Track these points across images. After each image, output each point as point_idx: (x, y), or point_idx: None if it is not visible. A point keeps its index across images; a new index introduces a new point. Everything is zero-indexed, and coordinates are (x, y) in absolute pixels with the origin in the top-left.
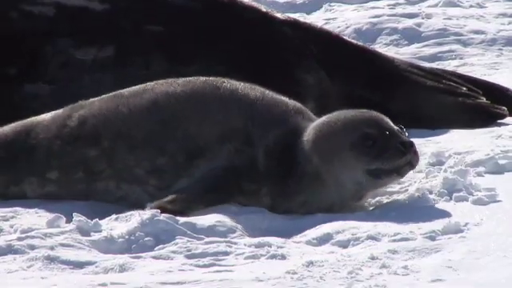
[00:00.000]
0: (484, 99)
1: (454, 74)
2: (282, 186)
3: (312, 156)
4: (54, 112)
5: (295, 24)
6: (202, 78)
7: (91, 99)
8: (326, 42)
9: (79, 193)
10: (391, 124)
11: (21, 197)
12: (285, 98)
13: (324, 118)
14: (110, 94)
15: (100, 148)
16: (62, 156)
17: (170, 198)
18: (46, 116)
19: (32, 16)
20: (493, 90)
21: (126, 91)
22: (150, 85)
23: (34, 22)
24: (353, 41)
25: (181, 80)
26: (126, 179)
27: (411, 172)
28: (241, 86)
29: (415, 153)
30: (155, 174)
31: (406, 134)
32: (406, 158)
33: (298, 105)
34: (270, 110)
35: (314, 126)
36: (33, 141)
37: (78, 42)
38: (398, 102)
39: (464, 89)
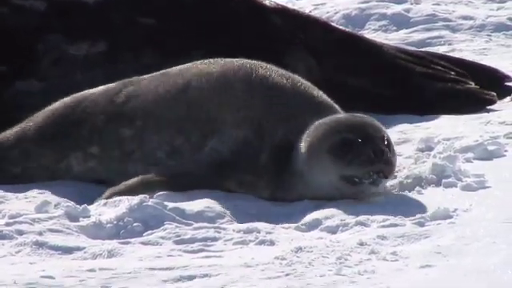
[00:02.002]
0: (473, 84)
1: (442, 57)
2: (280, 181)
3: (301, 155)
4: (106, 86)
5: (284, 12)
6: (241, 61)
7: (143, 76)
8: (315, 29)
9: (115, 172)
10: (375, 131)
11: (68, 173)
12: (314, 92)
13: (321, 120)
14: (159, 72)
15: (134, 127)
16: (103, 132)
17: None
18: (97, 90)
19: (23, 10)
20: (481, 72)
21: (172, 70)
22: (193, 64)
23: (25, 17)
24: (341, 27)
25: (221, 61)
26: (152, 163)
27: (401, 158)
28: (274, 74)
29: (387, 162)
30: (174, 155)
31: (387, 142)
32: (375, 167)
33: (324, 100)
34: (288, 104)
35: (312, 125)
36: (80, 114)
37: (71, 37)
38: (386, 88)
39: (453, 73)
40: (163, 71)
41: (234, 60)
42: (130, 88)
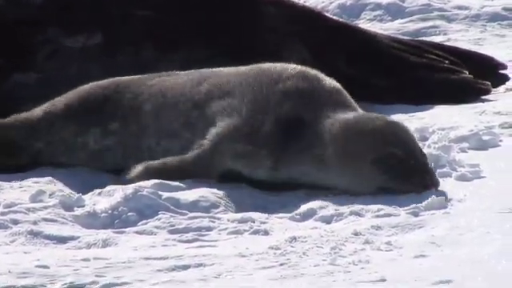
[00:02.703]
0: (467, 73)
1: (437, 46)
2: (287, 150)
3: (329, 146)
4: (142, 75)
5: (279, 3)
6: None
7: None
8: (309, 19)
9: (130, 148)
10: (416, 143)
11: (83, 150)
12: (326, 80)
13: (353, 117)
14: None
15: (154, 103)
16: (126, 108)
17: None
18: (135, 76)
19: (20, 3)
20: (477, 60)
21: (205, 70)
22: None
23: (23, 10)
24: (335, 17)
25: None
26: (167, 135)
27: None
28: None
29: (436, 185)
30: (188, 127)
31: (423, 152)
32: (427, 188)
33: (337, 88)
34: (298, 82)
35: (343, 119)
36: (110, 93)
37: (67, 29)
38: (381, 78)
39: (447, 62)
40: (200, 70)
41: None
42: (163, 77)
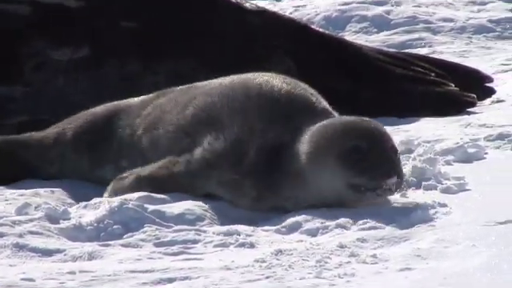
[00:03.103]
0: (453, 85)
1: (422, 59)
2: (269, 180)
3: (301, 155)
4: (142, 97)
5: (264, 15)
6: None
7: (175, 88)
8: (294, 31)
9: None
10: (387, 141)
11: (103, 181)
12: (310, 95)
13: (325, 121)
14: (187, 86)
15: (150, 136)
16: (129, 145)
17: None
18: (134, 100)
19: (6, 15)
20: (462, 73)
21: (199, 85)
22: (208, 82)
23: (9, 22)
24: (320, 30)
25: (238, 76)
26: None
27: None
28: (273, 79)
29: (400, 176)
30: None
31: (398, 153)
32: (390, 180)
33: (322, 105)
34: (282, 106)
35: (314, 127)
36: (113, 126)
37: (54, 42)
38: (367, 91)
39: (433, 75)
40: (190, 85)
41: (252, 75)
42: (158, 100)
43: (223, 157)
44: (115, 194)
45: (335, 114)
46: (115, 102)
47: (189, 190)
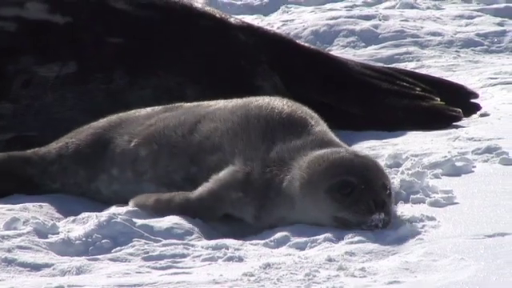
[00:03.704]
0: (439, 100)
1: (408, 73)
2: (265, 199)
3: (295, 182)
4: (148, 108)
5: (249, 29)
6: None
7: (180, 104)
8: (280, 46)
9: (133, 194)
10: (378, 178)
11: (98, 195)
12: (312, 120)
13: (321, 152)
14: (194, 103)
15: (149, 149)
16: (123, 152)
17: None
18: (138, 110)
19: None
20: (448, 88)
21: (204, 104)
22: (213, 103)
23: None
24: (306, 44)
25: (239, 101)
26: (166, 183)
27: None
28: (277, 103)
29: (387, 214)
30: (189, 181)
31: (389, 190)
32: (373, 218)
33: (324, 129)
34: (286, 128)
35: (312, 154)
36: (112, 135)
37: (41, 58)
38: (353, 105)
39: (418, 90)
40: (197, 103)
41: (251, 99)
42: (164, 114)
43: (231, 185)
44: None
45: (333, 136)
46: (118, 114)
47: (207, 215)
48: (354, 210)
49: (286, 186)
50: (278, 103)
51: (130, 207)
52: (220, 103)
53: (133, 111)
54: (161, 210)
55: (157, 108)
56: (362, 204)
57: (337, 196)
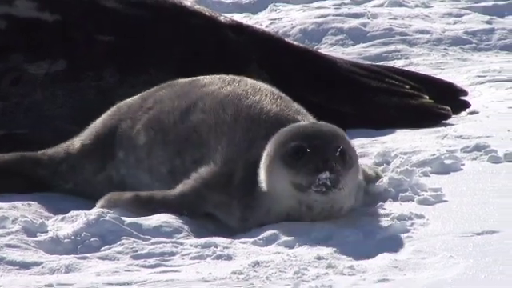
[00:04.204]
0: (427, 98)
1: (397, 71)
2: (249, 199)
3: (261, 166)
4: (145, 92)
5: (238, 28)
6: (236, 84)
7: (178, 80)
8: (268, 45)
9: (136, 178)
10: (328, 140)
11: (109, 185)
12: (297, 116)
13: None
14: (189, 79)
15: (148, 136)
16: (128, 136)
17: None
18: (135, 96)
19: None
20: (437, 86)
21: (199, 83)
22: (204, 79)
23: None
24: (295, 43)
25: (229, 80)
26: (157, 178)
27: None
28: (258, 94)
29: (333, 171)
30: (172, 174)
31: (342, 151)
32: (319, 177)
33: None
34: (267, 124)
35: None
36: (116, 121)
37: (30, 55)
38: (342, 104)
39: (407, 87)
40: (192, 79)
41: (236, 80)
42: (159, 92)
43: (214, 186)
44: (109, 204)
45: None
46: (119, 103)
47: (189, 211)
48: (304, 172)
49: (259, 176)
50: (268, 101)
51: (98, 207)
52: (213, 85)
53: (130, 98)
54: (141, 209)
55: (153, 88)
56: (311, 164)
57: (289, 161)
